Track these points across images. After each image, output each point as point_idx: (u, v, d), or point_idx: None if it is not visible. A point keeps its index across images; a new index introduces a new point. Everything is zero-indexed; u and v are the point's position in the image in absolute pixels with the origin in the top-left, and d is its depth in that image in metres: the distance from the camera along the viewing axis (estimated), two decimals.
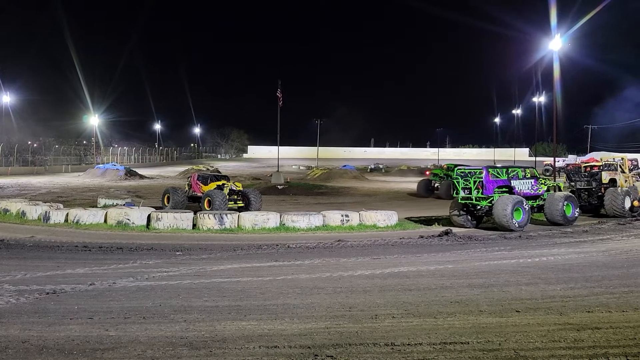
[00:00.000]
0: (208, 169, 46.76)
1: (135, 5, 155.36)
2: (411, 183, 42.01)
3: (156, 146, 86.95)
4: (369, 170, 62.04)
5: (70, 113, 71.75)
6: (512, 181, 16.11)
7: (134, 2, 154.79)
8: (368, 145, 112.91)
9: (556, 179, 23.36)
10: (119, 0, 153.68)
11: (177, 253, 11.18)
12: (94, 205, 19.90)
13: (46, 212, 15.95)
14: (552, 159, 34.20)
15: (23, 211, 16.67)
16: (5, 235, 13.19)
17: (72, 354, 4.96)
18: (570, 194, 17.68)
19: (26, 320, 6.04)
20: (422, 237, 13.81)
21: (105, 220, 15.39)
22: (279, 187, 32.60)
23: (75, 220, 15.39)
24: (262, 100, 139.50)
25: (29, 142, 58.59)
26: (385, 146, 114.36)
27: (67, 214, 15.77)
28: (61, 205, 17.42)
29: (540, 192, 16.81)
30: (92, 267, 9.41)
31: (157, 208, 16.96)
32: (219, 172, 38.80)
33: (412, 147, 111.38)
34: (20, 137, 56.89)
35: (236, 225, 14.98)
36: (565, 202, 16.33)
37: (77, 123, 70.07)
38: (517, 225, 14.90)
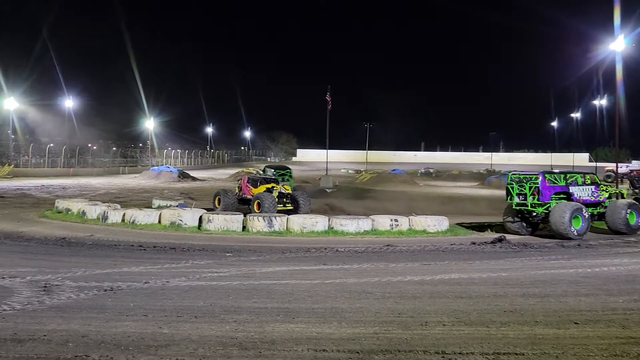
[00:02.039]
0: (259, 172, 47.33)
1: (187, 7, 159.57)
2: (463, 188, 41.30)
3: (208, 149, 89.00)
4: (418, 175, 61.24)
5: (127, 117, 74.57)
6: (570, 187, 15.44)
7: (185, 3, 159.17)
8: (418, 149, 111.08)
9: (618, 186, 22.24)
10: (172, 3, 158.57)
11: (228, 254, 11.38)
12: (148, 206, 20.59)
13: (104, 212, 16.65)
14: (615, 164, 32.60)
15: (83, 211, 17.45)
16: (67, 234, 13.88)
17: (128, 350, 5.12)
18: (634, 201, 16.76)
19: (85, 316, 6.29)
20: (474, 243, 13.47)
21: (159, 221, 15.89)
22: (328, 190, 32.63)
23: (131, 220, 15.97)
24: (310, 104, 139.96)
25: (89, 145, 61.36)
26: (436, 150, 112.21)
27: (123, 214, 16.40)
28: (118, 206, 18.12)
29: (601, 200, 16.04)
30: (146, 265, 9.73)
31: (208, 210, 17.34)
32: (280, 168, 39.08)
33: (464, 151, 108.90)
34: (81, 139, 59.62)
35: (285, 228, 15.09)
36: (629, 210, 15.51)
37: (134, 126, 72.79)
38: (576, 234, 14.27)
